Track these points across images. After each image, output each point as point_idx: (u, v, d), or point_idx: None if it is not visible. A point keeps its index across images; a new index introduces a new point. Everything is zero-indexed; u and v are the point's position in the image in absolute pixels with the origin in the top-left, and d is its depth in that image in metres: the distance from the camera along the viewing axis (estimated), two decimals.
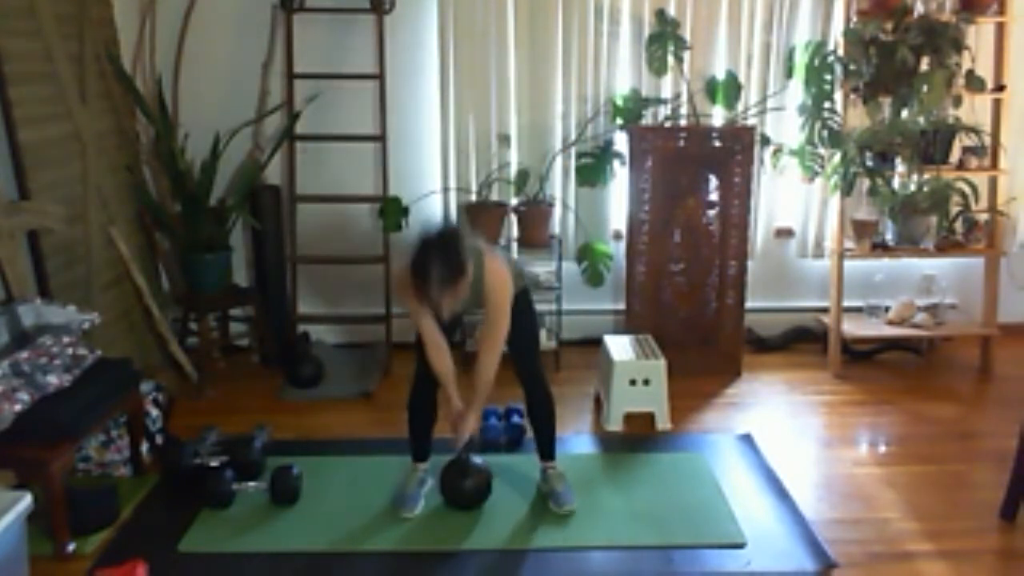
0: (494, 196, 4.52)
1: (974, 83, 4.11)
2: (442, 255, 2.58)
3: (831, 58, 4.17)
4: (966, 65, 4.12)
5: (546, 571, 2.73)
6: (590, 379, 4.18)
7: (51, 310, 3.17)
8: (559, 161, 4.50)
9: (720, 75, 4.38)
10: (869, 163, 4.19)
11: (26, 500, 2.42)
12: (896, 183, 4.26)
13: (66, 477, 2.85)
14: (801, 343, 4.76)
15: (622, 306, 4.44)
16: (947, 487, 3.25)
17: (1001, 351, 4.47)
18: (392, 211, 4.31)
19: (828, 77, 4.18)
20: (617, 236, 4.61)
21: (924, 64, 4.02)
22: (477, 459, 3.08)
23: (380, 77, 4.35)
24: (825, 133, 4.19)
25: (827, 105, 4.19)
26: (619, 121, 4.39)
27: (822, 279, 4.67)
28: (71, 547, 2.80)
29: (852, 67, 4.11)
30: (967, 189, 4.16)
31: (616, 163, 4.43)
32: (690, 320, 4.35)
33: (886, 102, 4.14)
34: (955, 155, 4.28)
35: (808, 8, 4.39)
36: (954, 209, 4.25)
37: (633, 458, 3.45)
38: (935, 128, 4.13)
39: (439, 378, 2.98)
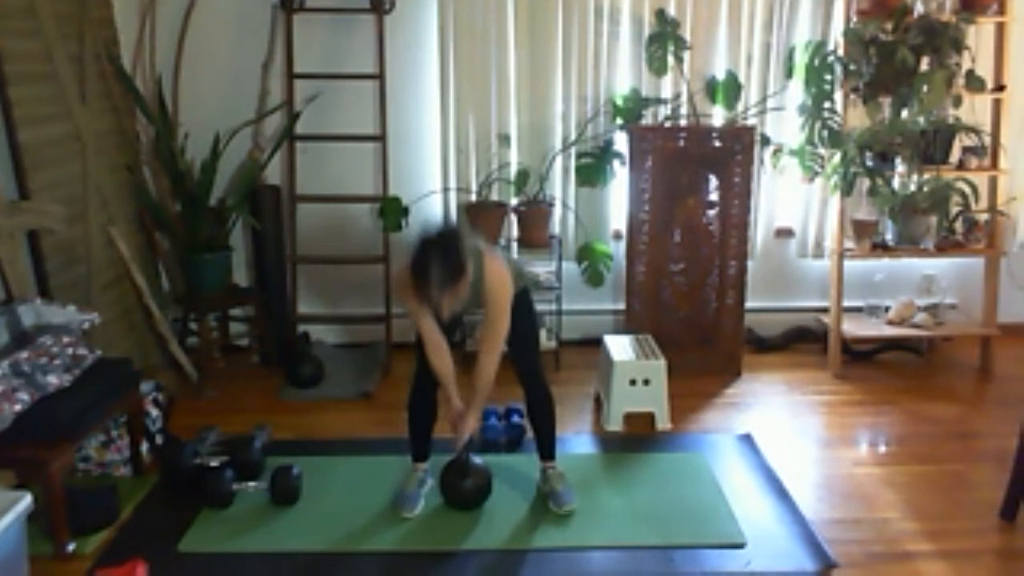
0: (494, 196, 4.52)
1: (974, 83, 4.11)
2: (442, 255, 2.58)
3: (831, 58, 4.17)
4: (966, 65, 4.12)
5: (546, 571, 2.73)
6: (590, 379, 4.18)
7: (51, 310, 3.17)
8: (559, 161, 4.50)
9: (720, 75, 4.38)
10: (869, 163, 4.19)
11: (26, 500, 2.42)
12: (896, 183, 4.26)
13: (66, 477, 2.85)
14: (801, 343, 4.76)
15: (622, 306, 4.44)
16: (947, 487, 3.25)
17: (1001, 351, 4.47)
18: (392, 211, 4.31)
19: (828, 77, 4.18)
20: (617, 236, 4.61)
21: (924, 64, 4.02)
22: (477, 459, 3.08)
23: (380, 77, 4.35)
24: (825, 133, 4.19)
25: (827, 105, 4.19)
26: (619, 121, 4.39)
27: (822, 279, 4.67)
28: (71, 547, 2.80)
29: (852, 67, 4.12)
30: (967, 189, 4.16)
31: (616, 163, 4.43)
32: (690, 320, 4.35)
33: (886, 102, 4.14)
34: (955, 155, 4.28)
35: (808, 8, 4.39)
36: (954, 209, 4.25)
37: (633, 458, 3.45)
38: (935, 128, 4.13)
39: (439, 378, 2.98)
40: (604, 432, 3.72)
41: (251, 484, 3.16)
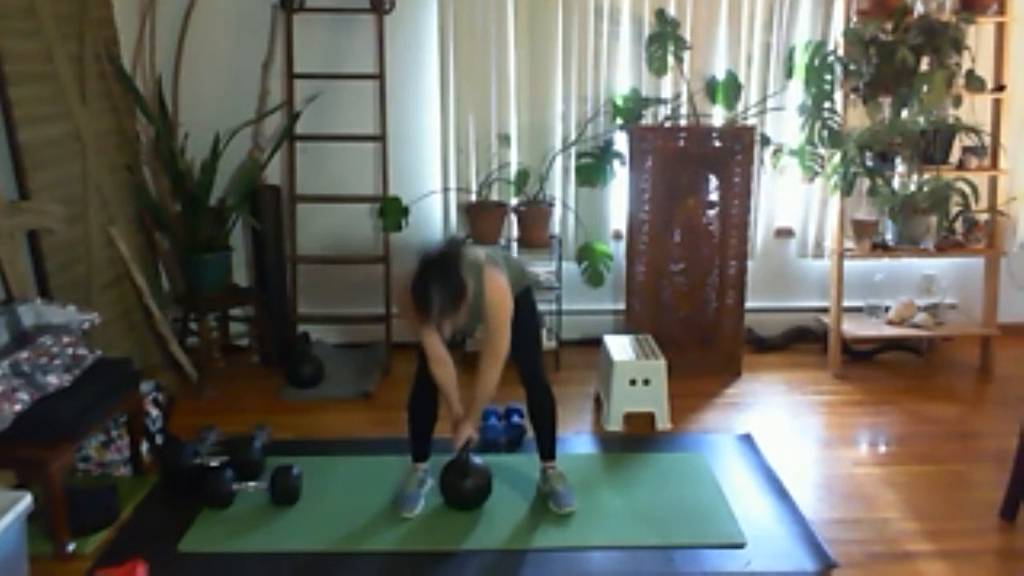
0: (494, 196, 4.52)
1: (974, 83, 4.11)
2: (442, 281, 2.60)
3: (831, 58, 4.17)
4: (966, 65, 4.12)
5: (546, 571, 2.73)
6: (590, 379, 4.18)
7: (51, 310, 3.17)
8: (559, 161, 4.50)
9: (720, 75, 4.38)
10: (869, 163, 4.19)
11: (26, 500, 2.42)
12: (896, 183, 4.26)
13: (66, 477, 2.85)
14: (801, 343, 4.76)
15: (622, 306, 4.44)
16: (947, 487, 3.25)
17: (1001, 351, 4.47)
18: (392, 211, 4.31)
19: (828, 77, 4.18)
20: (617, 236, 4.61)
21: (924, 64, 4.02)
22: (477, 459, 3.08)
23: (380, 77, 4.35)
24: (825, 133, 4.19)
25: (827, 105, 4.19)
26: (619, 121, 4.39)
27: (822, 279, 4.67)
28: (71, 547, 2.80)
29: (852, 67, 4.12)
30: (967, 189, 4.15)
31: (616, 163, 4.43)
32: (690, 320, 4.35)
33: (886, 102, 4.14)
34: (955, 155, 4.28)
35: (808, 8, 4.39)
36: (954, 209, 4.25)
37: (633, 458, 3.45)
38: (935, 128, 4.13)
39: (442, 390, 2.99)
40: (604, 432, 3.72)
41: (251, 484, 3.16)
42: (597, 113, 4.45)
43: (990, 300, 4.45)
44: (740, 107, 4.40)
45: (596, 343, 4.09)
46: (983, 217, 4.33)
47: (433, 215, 4.55)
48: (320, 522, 2.99)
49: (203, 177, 4.13)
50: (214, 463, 3.19)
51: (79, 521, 2.86)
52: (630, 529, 2.94)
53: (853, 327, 4.43)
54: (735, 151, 4.18)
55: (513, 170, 4.48)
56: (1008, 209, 4.39)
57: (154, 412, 3.49)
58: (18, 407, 2.73)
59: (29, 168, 3.41)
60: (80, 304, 3.33)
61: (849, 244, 4.34)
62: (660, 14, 4.24)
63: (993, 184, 4.36)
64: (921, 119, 4.12)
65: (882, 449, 3.65)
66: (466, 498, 3.04)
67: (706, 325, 4.37)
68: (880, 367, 4.51)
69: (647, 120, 4.39)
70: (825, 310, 4.55)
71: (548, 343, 4.26)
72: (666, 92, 4.42)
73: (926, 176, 4.20)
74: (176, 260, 4.40)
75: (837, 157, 4.21)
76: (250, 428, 3.53)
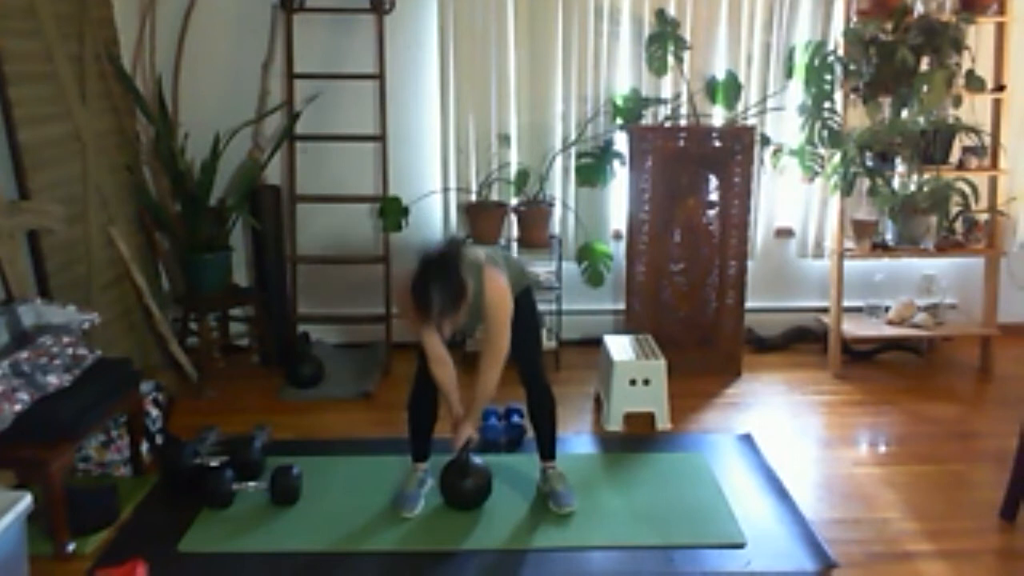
0: (494, 196, 4.52)
1: (974, 83, 4.11)
2: (442, 281, 2.60)
3: (831, 58, 4.17)
4: (966, 65, 4.12)
5: (546, 571, 2.73)
6: (590, 379, 4.18)
7: (51, 310, 3.17)
8: (559, 161, 4.50)
9: (720, 75, 4.38)
10: (869, 163, 4.19)
11: (26, 500, 2.42)
12: (896, 183, 4.26)
13: (66, 477, 2.85)
14: (801, 343, 4.76)
15: (622, 306, 4.44)
16: (947, 487, 3.25)
17: (1001, 351, 4.47)
18: (392, 211, 4.32)
19: (828, 77, 4.18)
20: (617, 236, 4.61)
21: (924, 64, 4.02)
22: (477, 459, 3.08)
23: (380, 77, 4.35)
24: (825, 133, 4.19)
25: (827, 105, 4.19)
26: (619, 121, 4.39)
27: (822, 279, 4.67)
28: (71, 547, 2.80)
29: (852, 67, 4.12)
30: (967, 189, 4.15)
31: (616, 163, 4.43)
32: (690, 320, 4.35)
33: (886, 102, 4.14)
34: (955, 155, 4.28)
35: (808, 8, 4.39)
36: (954, 209, 4.25)
37: (633, 458, 3.45)
38: (935, 128, 4.13)
39: (442, 391, 2.99)
40: (604, 432, 3.72)
41: (251, 484, 3.16)
42: (597, 113, 4.45)
43: (990, 300, 4.45)
44: (740, 107, 4.40)
45: (596, 343, 4.09)
46: (983, 217, 4.33)
47: (433, 215, 4.55)
48: (320, 522, 2.99)
49: (203, 177, 4.13)
50: (214, 463, 3.19)
51: (79, 521, 2.86)
52: (630, 529, 2.94)
53: (853, 327, 4.43)
54: (735, 151, 4.18)
55: (513, 170, 4.48)
56: (1008, 209, 4.39)
57: (154, 412, 3.49)
58: (18, 407, 2.73)
59: (29, 168, 3.41)
60: (80, 304, 3.33)
61: (849, 244, 4.34)
62: (660, 14, 4.24)
63: (993, 184, 4.36)
64: (921, 119, 4.12)
65: (882, 449, 3.65)
66: (466, 498, 3.04)
67: (706, 325, 4.37)
68: (880, 367, 4.51)
69: (647, 120, 4.39)
70: (825, 310, 4.55)
71: (548, 343, 4.26)
72: (666, 92, 4.42)
73: (926, 176, 4.20)
74: (176, 260, 4.40)
75: (837, 157, 4.21)
76: (250, 428, 3.53)
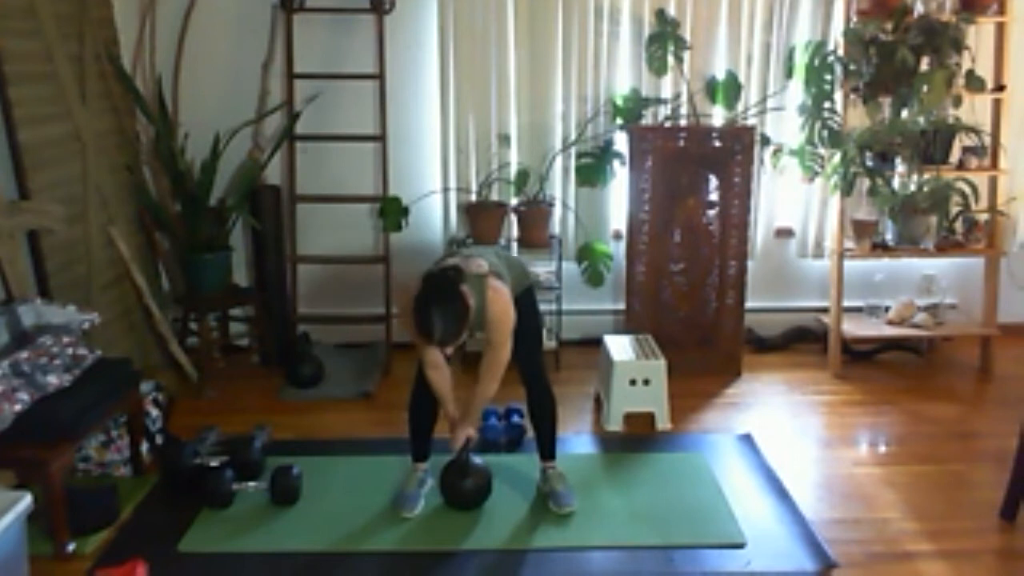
0: (494, 196, 4.52)
1: (974, 83, 4.11)
2: (444, 308, 2.62)
3: (831, 58, 4.17)
4: (966, 65, 4.12)
5: (546, 571, 2.73)
6: (590, 379, 4.18)
7: (51, 310, 3.17)
8: (559, 161, 4.50)
9: (720, 75, 4.38)
10: (869, 163, 4.19)
11: (26, 500, 2.42)
12: (896, 183, 4.26)
13: (66, 477, 2.85)
14: (801, 343, 4.76)
15: (622, 306, 4.44)
16: (947, 487, 3.25)
17: (1001, 351, 4.47)
18: (392, 211, 4.31)
19: (828, 77, 4.18)
20: (617, 236, 4.61)
21: (924, 64, 4.02)
22: (477, 459, 3.08)
23: (380, 77, 4.35)
24: (825, 133, 4.19)
25: (827, 105, 4.19)
26: (619, 121, 4.39)
27: (822, 279, 4.67)
28: (71, 547, 2.80)
29: (852, 67, 4.12)
30: (967, 189, 4.16)
31: (616, 163, 4.43)
32: (690, 320, 4.35)
33: (886, 102, 4.14)
34: (955, 155, 4.28)
35: (808, 8, 4.39)
36: (954, 209, 4.25)
37: (633, 458, 3.45)
38: (935, 128, 4.13)
39: (437, 395, 3.00)
40: (604, 432, 3.72)
41: (251, 484, 3.16)
42: (597, 113, 4.45)
43: (990, 300, 4.45)
44: (740, 107, 4.40)
45: (596, 343, 4.09)
46: (983, 217, 4.33)
47: (433, 215, 4.55)
48: (320, 522, 2.99)
49: (203, 177, 4.13)
50: (214, 463, 3.19)
51: (79, 521, 2.86)
52: (630, 529, 2.94)
53: (853, 327, 4.43)
54: (735, 151, 4.18)
55: (513, 170, 4.48)
56: (1008, 209, 4.39)
57: (154, 412, 3.49)
58: (18, 407, 2.73)
59: (29, 168, 3.41)
60: (80, 304, 3.33)
61: (849, 244, 4.34)
62: (660, 14, 4.24)
63: (993, 184, 4.36)
64: (921, 119, 4.12)
65: (882, 449, 3.65)
66: (466, 498, 3.04)
67: (706, 325, 4.37)
68: (880, 367, 4.51)
69: (647, 120, 4.39)
70: (825, 310, 4.55)
71: (548, 343, 4.26)
72: (666, 92, 4.42)
73: (926, 176, 4.20)
74: (176, 260, 4.40)
75: (837, 157, 4.21)
76: (250, 428, 3.53)
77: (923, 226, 4.24)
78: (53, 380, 2.89)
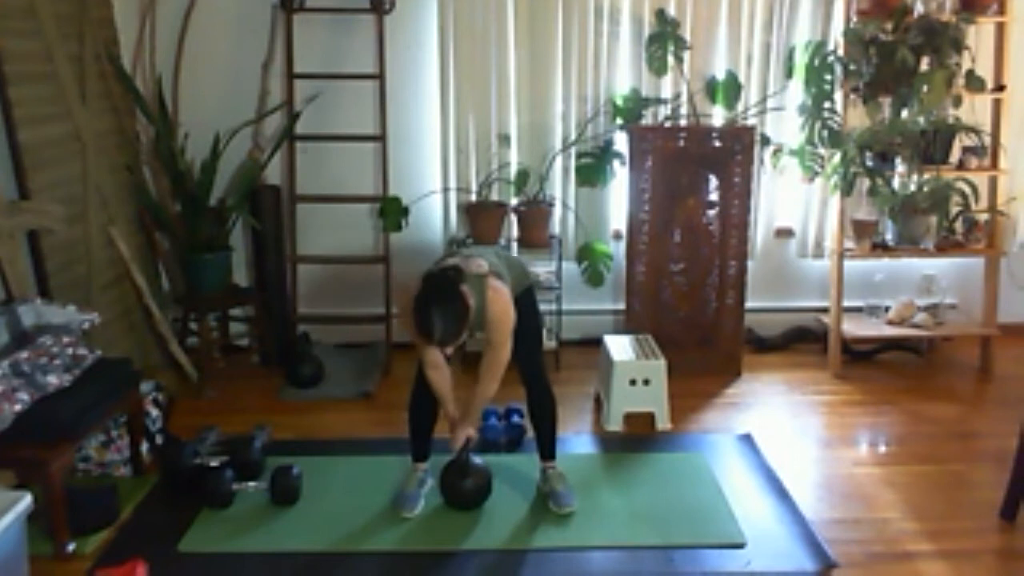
0: (494, 196, 4.52)
1: (974, 83, 4.11)
2: (444, 309, 2.62)
3: (831, 58, 4.17)
4: (966, 65, 4.12)
5: (546, 571, 2.73)
6: (590, 379, 4.18)
7: (51, 310, 3.17)
8: (559, 161, 4.50)
9: (720, 75, 4.38)
10: (869, 163, 4.19)
11: (26, 500, 2.42)
12: (896, 183, 4.26)
13: (66, 477, 2.85)
14: (801, 343, 4.76)
15: (622, 306, 4.44)
16: (947, 487, 3.25)
17: (1001, 351, 4.47)
18: (392, 211, 4.31)
19: (828, 77, 4.18)
20: (617, 236, 4.61)
21: (924, 64, 4.02)
22: (477, 459, 3.08)
23: (380, 77, 4.35)
24: (825, 133, 4.19)
25: (827, 105, 4.19)
26: (619, 121, 4.39)
27: (822, 279, 4.67)
28: (71, 547, 2.80)
29: (852, 67, 4.12)
30: (967, 189, 4.16)
31: (616, 163, 4.43)
32: (690, 320, 4.35)
33: (886, 102, 4.14)
34: (955, 155, 4.28)
35: (808, 8, 4.39)
36: (954, 209, 4.25)
37: (633, 458, 3.45)
38: (935, 128, 4.13)
39: (436, 395, 3.00)
40: (604, 432, 3.72)
41: (251, 484, 3.16)
42: (597, 113, 4.45)
43: (990, 300, 4.45)
44: (740, 107, 4.40)
45: (596, 343, 4.09)
46: (983, 217, 4.33)
47: (433, 215, 4.55)
48: (320, 522, 2.99)
49: (203, 177, 4.13)
50: (214, 463, 3.19)
51: (79, 521, 2.86)
52: (630, 529, 2.94)
53: (853, 327, 4.43)
54: (735, 151, 4.18)
55: (513, 170, 4.48)
56: (1008, 209, 4.38)
57: (154, 412, 3.49)
58: (18, 407, 2.73)
59: (29, 168, 3.41)
60: (80, 304, 3.33)
61: (849, 244, 4.34)
62: (660, 14, 4.24)
63: (993, 184, 4.36)
64: (921, 119, 4.12)
65: (882, 449, 3.65)
66: (466, 498, 3.04)
67: (706, 325, 4.37)
68: (880, 367, 4.51)
69: (647, 120, 4.39)
70: (825, 310, 4.55)
71: (548, 343, 4.26)
72: (666, 92, 4.42)
73: (926, 176, 4.21)
74: (176, 260, 4.39)
75: (837, 157, 4.21)
76: (250, 428, 3.53)
77: (923, 226, 4.24)
78: (53, 380, 2.89)
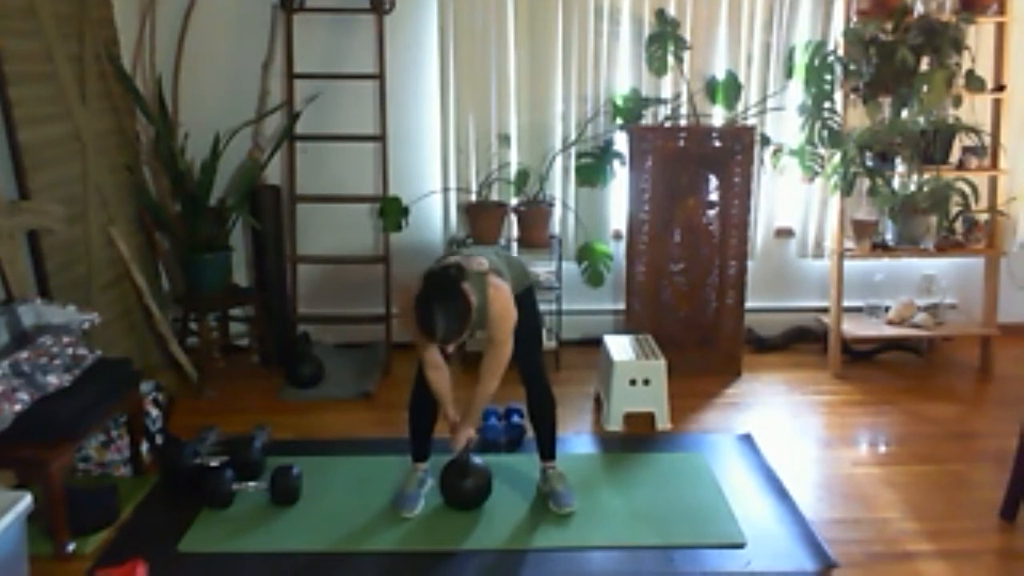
0: (494, 196, 4.52)
1: (974, 83, 4.11)
2: (446, 306, 2.61)
3: (831, 58, 4.17)
4: (966, 65, 4.12)
5: (546, 571, 2.73)
6: (590, 379, 4.18)
7: (51, 310, 3.17)
8: (559, 161, 4.50)
9: (720, 75, 4.38)
10: (869, 163, 4.19)
11: (26, 500, 2.42)
12: (896, 183, 4.26)
13: (66, 477, 2.85)
14: (801, 343, 4.76)
15: (622, 306, 4.44)
16: (947, 487, 3.25)
17: (1001, 351, 4.47)
18: (392, 211, 4.31)
19: (828, 77, 4.18)
20: (617, 236, 4.61)
21: (924, 64, 4.02)
22: (477, 459, 3.08)
23: (380, 77, 4.35)
24: (825, 133, 4.19)
25: (827, 105, 4.19)
26: (619, 121, 4.39)
27: (822, 279, 4.67)
28: (71, 547, 2.80)
29: (852, 67, 4.12)
30: (967, 189, 4.16)
31: (616, 163, 4.43)
32: (690, 320, 4.35)
33: (886, 102, 4.14)
34: (955, 155, 4.28)
35: (808, 8, 4.39)
36: (954, 209, 4.25)
37: (633, 458, 3.45)
38: (935, 128, 4.13)
39: (436, 396, 3.00)
40: (604, 432, 3.72)
41: (251, 484, 3.16)
42: (597, 113, 4.45)
43: (990, 300, 4.45)
44: (740, 107, 4.40)
45: (596, 343, 4.09)
46: (983, 217, 4.33)
47: (433, 215, 4.55)
48: (320, 522, 2.99)
49: (203, 177, 4.13)
50: (214, 463, 3.19)
51: (79, 521, 2.86)
52: (630, 529, 2.94)
53: (853, 327, 4.43)
54: (735, 151, 4.18)
55: (513, 170, 4.48)
56: (1008, 209, 4.38)
57: (154, 412, 3.49)
58: (18, 407, 2.73)
59: (29, 168, 3.41)
60: (80, 304, 3.33)
61: (849, 244, 4.34)
62: (660, 14, 4.24)
63: (993, 184, 4.36)
64: (921, 119, 4.12)
65: (882, 449, 3.65)
66: (466, 498, 3.04)
67: (706, 325, 4.37)
68: (880, 367, 4.51)
69: (647, 120, 4.39)
70: (825, 310, 4.55)
71: (548, 343, 4.26)
72: (666, 92, 4.42)
73: (926, 176, 4.21)
74: (176, 260, 4.40)
75: (837, 157, 4.21)
76: (250, 428, 3.53)
77: (923, 226, 4.24)
78: (53, 380, 2.89)
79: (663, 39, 4.24)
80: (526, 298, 3.00)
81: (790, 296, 4.82)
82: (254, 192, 4.35)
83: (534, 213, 4.37)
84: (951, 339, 4.70)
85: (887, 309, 4.56)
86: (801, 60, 4.32)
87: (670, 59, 4.26)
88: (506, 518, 3.01)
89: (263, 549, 2.84)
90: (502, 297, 2.79)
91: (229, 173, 4.44)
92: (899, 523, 2.99)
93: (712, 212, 4.26)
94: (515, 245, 4.46)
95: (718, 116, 4.47)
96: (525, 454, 3.40)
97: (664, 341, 4.01)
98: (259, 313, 4.38)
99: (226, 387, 4.18)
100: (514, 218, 4.46)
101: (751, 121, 4.36)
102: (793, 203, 4.68)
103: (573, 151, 4.48)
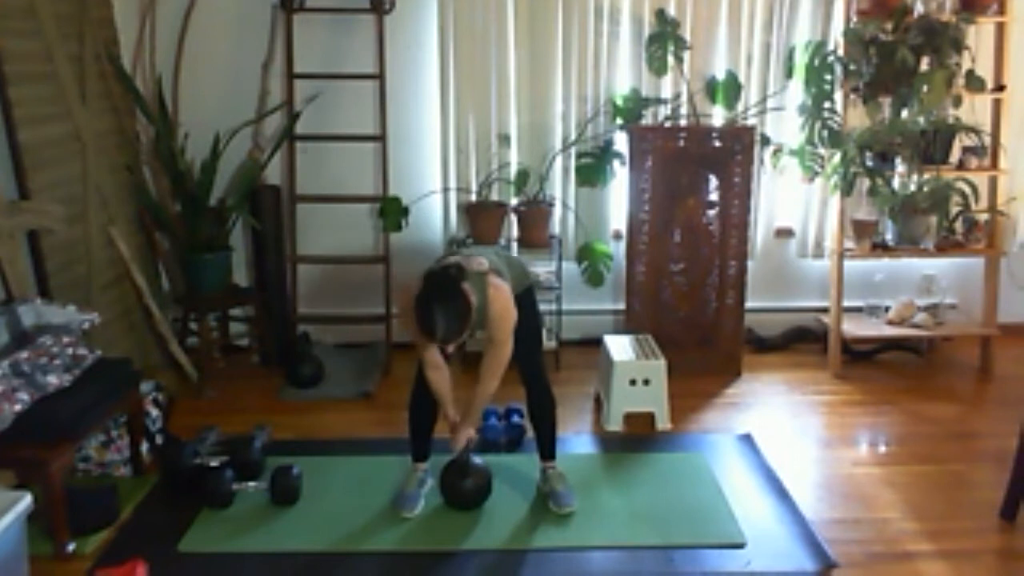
0: (494, 196, 4.52)
1: (974, 83, 4.11)
2: (446, 306, 2.61)
3: (831, 58, 4.17)
4: (966, 65, 4.12)
5: (546, 571, 2.73)
6: (590, 379, 4.18)
7: (51, 310, 3.17)
8: (559, 161, 4.50)
9: (720, 75, 4.38)
10: (869, 163, 4.19)
11: (26, 500, 2.42)
12: (896, 183, 4.26)
13: (66, 477, 2.85)
14: (801, 343, 4.76)
15: (622, 306, 4.44)
16: (947, 487, 3.25)
17: (1001, 351, 4.47)
18: (392, 211, 4.31)
19: (828, 77, 4.18)
20: (617, 236, 4.61)
21: (924, 64, 4.02)
22: (477, 459, 3.08)
23: (380, 77, 4.35)
24: (825, 133, 4.19)
25: (827, 105, 4.19)
26: (619, 121, 4.39)
27: (822, 279, 4.67)
28: (71, 547, 2.80)
29: (852, 67, 4.12)
30: (967, 189, 4.16)
31: (616, 163, 4.43)
32: (690, 320, 4.35)
33: (886, 102, 4.14)
34: (955, 155, 4.28)
35: (808, 8, 4.39)
36: (954, 209, 4.25)
37: (633, 458, 3.45)
38: (935, 128, 4.13)
39: (436, 396, 3.00)
40: (604, 432, 3.72)
41: (251, 484, 3.16)
42: (597, 113, 4.45)
43: (990, 300, 4.45)
44: (740, 107, 4.40)
45: (596, 343, 4.09)
46: (983, 217, 4.33)
47: (433, 215, 4.55)
48: (320, 522, 2.99)
49: (203, 177, 4.13)
50: (214, 463, 3.19)
51: (79, 521, 2.86)
52: (630, 529, 2.94)
53: (853, 327, 4.43)
54: (735, 151, 4.18)
55: (513, 170, 4.48)
56: (1008, 209, 4.38)
57: (154, 412, 3.49)
58: (18, 407, 2.73)
59: (29, 168, 3.41)
60: (80, 304, 3.33)
61: (849, 244, 4.34)
62: (660, 14, 4.24)
63: (993, 184, 4.36)
64: (921, 119, 4.12)
65: (882, 449, 3.65)
66: (466, 498, 3.04)
67: (706, 325, 4.37)
68: (880, 367, 4.51)
69: (647, 120, 4.39)
70: (825, 310, 4.55)
71: (548, 343, 4.26)
72: (666, 92, 4.42)
73: (926, 176, 4.20)
74: (176, 260, 4.40)
75: (837, 157, 4.21)
76: (250, 428, 3.53)
77: (923, 226, 4.24)
78: (53, 380, 2.89)
79: (663, 39, 4.24)
80: (526, 298, 3.00)
81: (790, 296, 4.82)
82: (254, 192, 4.35)
83: (534, 213, 4.37)
84: (951, 339, 4.70)
85: (887, 309, 4.56)
86: (801, 60, 4.32)
87: (670, 59, 4.26)
88: (506, 518, 3.01)
89: (263, 549, 2.84)
90: (502, 297, 2.79)
91: (229, 173, 4.44)
92: (899, 523, 2.99)
93: (712, 212, 4.26)
94: (515, 245, 4.46)
95: (718, 116, 4.47)
96: (525, 454, 3.40)
97: (664, 341, 4.01)
98: (259, 313, 4.38)
99: (226, 387, 4.18)
100: (514, 218, 4.46)
101: (751, 121, 4.36)
102: (793, 203, 4.68)
103: (573, 151, 4.48)
